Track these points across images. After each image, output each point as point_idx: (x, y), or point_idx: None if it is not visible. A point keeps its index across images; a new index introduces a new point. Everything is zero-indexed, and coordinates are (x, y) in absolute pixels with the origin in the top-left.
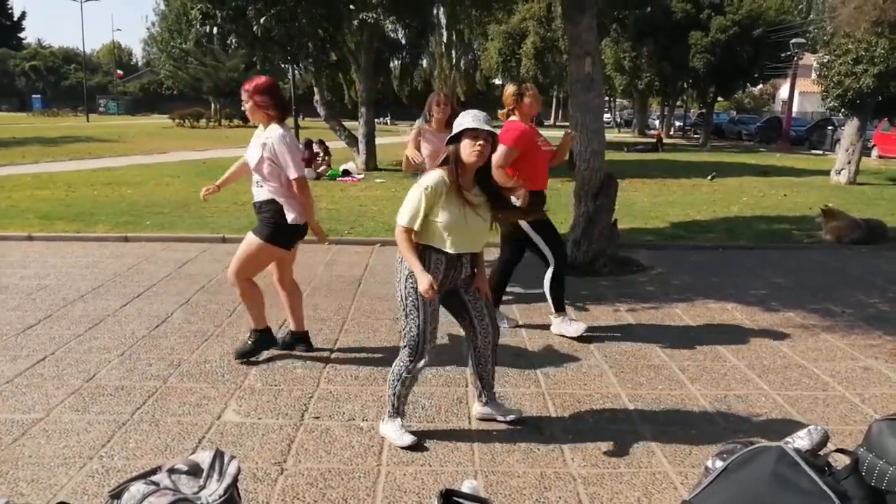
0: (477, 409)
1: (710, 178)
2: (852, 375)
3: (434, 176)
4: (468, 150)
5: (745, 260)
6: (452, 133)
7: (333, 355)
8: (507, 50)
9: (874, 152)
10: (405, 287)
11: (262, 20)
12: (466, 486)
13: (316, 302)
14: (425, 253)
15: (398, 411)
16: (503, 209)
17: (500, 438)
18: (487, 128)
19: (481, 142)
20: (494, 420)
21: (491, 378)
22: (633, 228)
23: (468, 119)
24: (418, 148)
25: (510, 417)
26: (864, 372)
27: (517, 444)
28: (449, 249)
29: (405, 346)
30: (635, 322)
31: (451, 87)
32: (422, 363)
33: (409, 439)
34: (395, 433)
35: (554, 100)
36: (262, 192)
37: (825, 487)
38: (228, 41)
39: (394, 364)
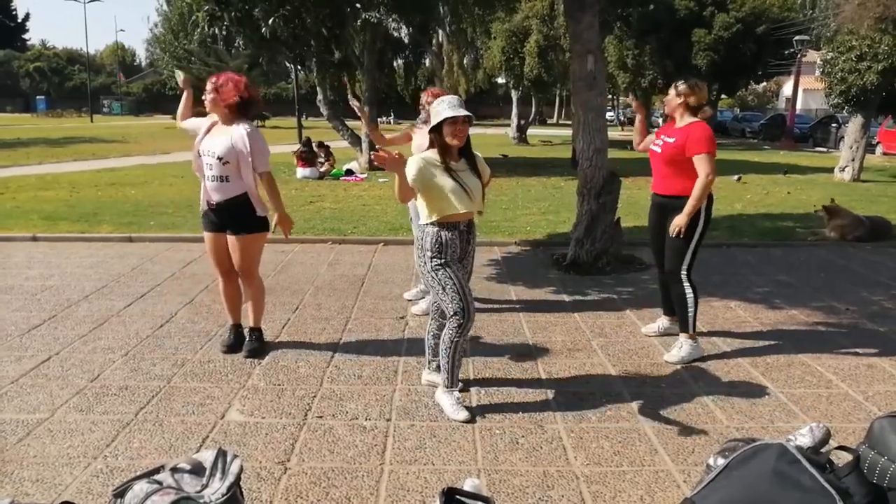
0: (425, 376)
1: (736, 178)
2: (856, 373)
3: (428, 153)
4: (450, 136)
5: (748, 257)
6: (433, 123)
7: (337, 355)
8: (510, 48)
9: (878, 149)
10: (431, 268)
11: (269, 21)
12: (469, 485)
13: (319, 301)
14: (440, 234)
15: (453, 381)
16: (479, 174)
17: (502, 437)
18: (464, 113)
19: (460, 126)
20: (435, 386)
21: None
22: (637, 226)
23: (444, 107)
24: (408, 141)
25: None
26: (868, 369)
27: (520, 442)
28: (458, 209)
29: (453, 315)
30: (638, 320)
31: (454, 85)
32: (471, 324)
33: (464, 415)
34: (451, 407)
35: (557, 98)
36: (231, 188)
37: (826, 485)
38: (236, 43)
39: (443, 336)
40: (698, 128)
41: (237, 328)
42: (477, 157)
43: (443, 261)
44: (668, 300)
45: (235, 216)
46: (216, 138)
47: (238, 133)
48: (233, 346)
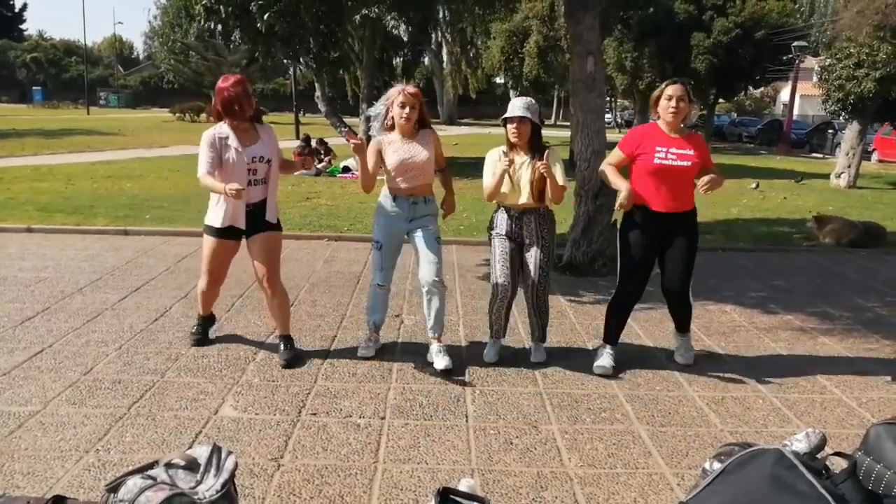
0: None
1: (754, 186)
2: (849, 379)
3: (497, 149)
4: (508, 133)
5: (744, 262)
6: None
7: (331, 352)
8: (510, 49)
9: (874, 156)
10: (488, 238)
11: (265, 16)
12: (463, 485)
13: (314, 298)
14: (496, 214)
15: (491, 333)
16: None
17: (496, 437)
18: (518, 114)
19: (514, 125)
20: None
21: (533, 327)
22: None
23: (508, 109)
24: (379, 165)
25: (538, 357)
26: (861, 375)
27: (514, 443)
28: (507, 199)
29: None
30: (633, 322)
31: (455, 84)
32: (497, 297)
33: (491, 355)
34: (488, 349)
35: (555, 99)
36: (261, 190)
37: (823, 491)
38: (232, 37)
39: None
40: (701, 137)
41: (210, 320)
42: (551, 153)
43: (493, 232)
44: (621, 328)
45: (261, 214)
46: (258, 143)
47: (269, 131)
48: (204, 340)
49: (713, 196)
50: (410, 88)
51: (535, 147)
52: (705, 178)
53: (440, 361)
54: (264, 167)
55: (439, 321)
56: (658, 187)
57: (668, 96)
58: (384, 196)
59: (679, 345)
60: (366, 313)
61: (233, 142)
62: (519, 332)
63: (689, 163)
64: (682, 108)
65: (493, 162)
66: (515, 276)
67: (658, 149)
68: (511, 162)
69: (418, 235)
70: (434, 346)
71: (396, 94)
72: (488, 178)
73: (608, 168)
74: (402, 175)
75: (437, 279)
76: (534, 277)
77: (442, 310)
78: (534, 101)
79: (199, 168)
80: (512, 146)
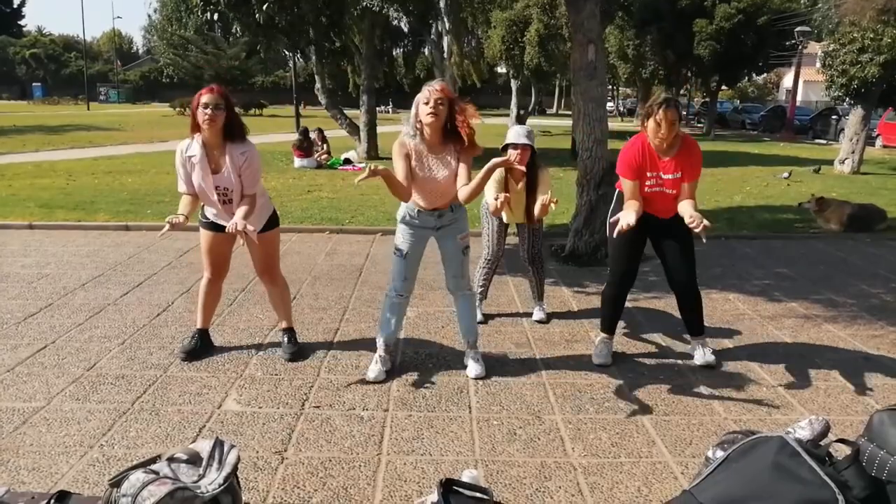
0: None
1: (786, 175)
2: (854, 365)
3: (499, 171)
4: (513, 159)
5: (747, 249)
6: (504, 144)
7: (334, 344)
8: (511, 38)
9: (878, 142)
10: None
11: (264, 7)
12: (467, 476)
13: (317, 291)
14: (499, 224)
15: (482, 295)
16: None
17: (500, 428)
18: (523, 142)
19: (518, 151)
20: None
21: (533, 286)
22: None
23: (510, 135)
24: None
25: (538, 316)
26: (866, 362)
27: (517, 433)
28: (507, 221)
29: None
30: (636, 311)
31: (456, 76)
32: (490, 261)
33: (479, 316)
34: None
35: (557, 88)
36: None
37: (826, 477)
38: (233, 29)
39: None
40: (694, 144)
41: (205, 333)
42: (540, 173)
43: (488, 210)
44: (616, 317)
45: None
46: (223, 173)
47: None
48: (196, 353)
49: (717, 184)
50: (437, 85)
51: (532, 169)
52: (690, 217)
53: (471, 370)
54: (232, 192)
55: (469, 327)
56: (646, 205)
57: (658, 121)
58: (406, 204)
59: (697, 348)
60: (378, 329)
61: (200, 164)
62: (521, 324)
63: (674, 191)
64: (671, 134)
65: (497, 181)
66: (502, 249)
67: (648, 174)
68: (507, 199)
69: (444, 246)
70: (467, 353)
71: (425, 92)
72: (490, 195)
73: (631, 204)
74: (421, 193)
75: (460, 292)
76: (529, 244)
77: (470, 315)
78: (531, 128)
79: (178, 186)
80: (509, 171)
